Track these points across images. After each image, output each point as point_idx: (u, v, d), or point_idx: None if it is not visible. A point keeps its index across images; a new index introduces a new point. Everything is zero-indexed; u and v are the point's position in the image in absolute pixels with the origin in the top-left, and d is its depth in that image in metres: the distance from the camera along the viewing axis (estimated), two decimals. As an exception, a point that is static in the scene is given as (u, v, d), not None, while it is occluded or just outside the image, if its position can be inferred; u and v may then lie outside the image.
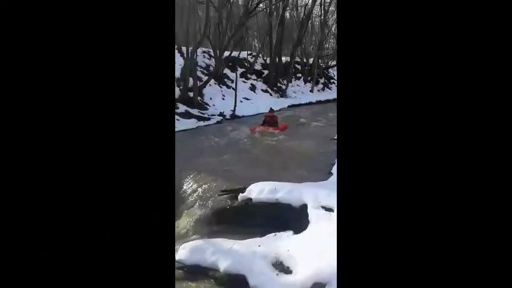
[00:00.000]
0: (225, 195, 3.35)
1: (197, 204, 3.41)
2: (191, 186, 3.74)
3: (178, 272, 2.45)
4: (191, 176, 3.92)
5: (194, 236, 2.98)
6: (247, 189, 3.18)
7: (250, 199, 3.10)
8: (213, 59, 12.52)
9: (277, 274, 2.15)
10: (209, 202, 3.33)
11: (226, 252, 2.44)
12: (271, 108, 8.10)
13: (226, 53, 12.18)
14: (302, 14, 15.07)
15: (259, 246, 2.46)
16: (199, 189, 3.63)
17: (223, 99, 11.08)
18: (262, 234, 2.66)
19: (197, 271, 2.40)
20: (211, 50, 12.67)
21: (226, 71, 12.51)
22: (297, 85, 14.96)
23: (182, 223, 3.24)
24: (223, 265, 2.32)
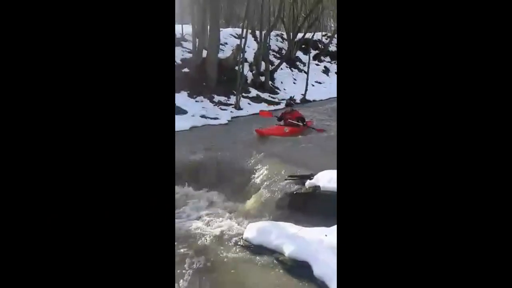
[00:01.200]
0: (292, 181, 3.32)
1: (263, 186, 3.47)
2: (258, 169, 3.81)
3: (243, 251, 2.56)
4: (258, 158, 3.99)
5: (258, 218, 3.05)
6: (315, 177, 3.08)
7: (318, 186, 3.00)
8: (285, 42, 12.33)
9: (343, 267, 2.05)
10: (276, 186, 3.35)
11: (291, 237, 2.43)
12: (288, 99, 5.90)
13: (300, 35, 11.84)
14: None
15: (325, 235, 2.38)
16: (266, 172, 3.68)
17: (294, 83, 10.91)
18: (329, 224, 2.56)
19: (262, 252, 2.46)
20: (284, 33, 12.47)
21: (299, 54, 12.20)
22: (376, 67, 13.70)
23: (249, 204, 3.35)
24: (288, 249, 2.32)
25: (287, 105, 5.70)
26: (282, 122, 5.41)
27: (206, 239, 2.80)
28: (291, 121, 5.34)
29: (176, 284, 2.21)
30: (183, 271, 2.37)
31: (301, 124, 5.38)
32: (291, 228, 2.57)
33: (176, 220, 3.17)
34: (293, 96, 7.71)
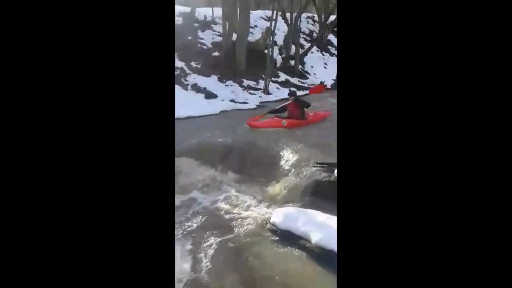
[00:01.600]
0: (320, 168, 3.27)
1: (291, 173, 3.45)
2: (286, 154, 3.79)
3: (270, 235, 2.59)
4: (287, 144, 3.96)
5: (285, 203, 3.05)
6: (345, 165, 3.00)
7: (348, 175, 2.93)
8: (317, 25, 11.88)
9: (372, 258, 2.01)
10: (304, 172, 3.32)
11: (318, 225, 2.41)
12: (290, 90, 5.24)
13: (332, 18, 11.34)
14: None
15: (354, 225, 2.33)
16: (294, 159, 3.65)
17: (325, 67, 10.57)
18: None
19: (288, 238, 2.47)
20: (316, 15, 12.01)
21: (330, 37, 11.72)
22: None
23: (277, 189, 3.35)
24: (315, 237, 2.30)
25: (289, 94, 5.05)
26: (286, 114, 4.97)
27: (231, 222, 2.86)
28: (292, 111, 4.87)
29: (199, 255, 2.31)
30: (209, 243, 2.46)
31: (307, 111, 4.99)
32: (318, 216, 2.54)
33: (202, 201, 3.27)
34: (324, 81, 7.45)
